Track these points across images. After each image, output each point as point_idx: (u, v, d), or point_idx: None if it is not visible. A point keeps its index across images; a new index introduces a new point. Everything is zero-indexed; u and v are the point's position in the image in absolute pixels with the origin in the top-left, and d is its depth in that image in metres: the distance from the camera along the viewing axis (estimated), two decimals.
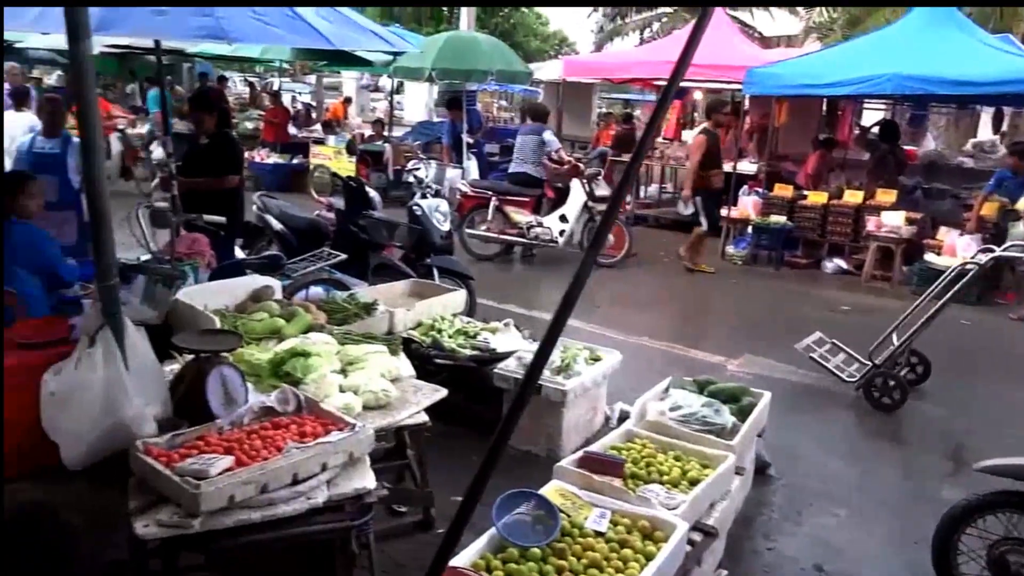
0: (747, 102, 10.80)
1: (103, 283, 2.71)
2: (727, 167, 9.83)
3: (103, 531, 2.84)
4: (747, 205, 10.34)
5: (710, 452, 3.42)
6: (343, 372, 3.63)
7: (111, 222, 2.68)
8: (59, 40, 4.46)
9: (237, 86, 24.76)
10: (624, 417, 4.70)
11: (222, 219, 4.55)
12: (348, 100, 19.48)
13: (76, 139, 5.65)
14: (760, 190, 10.46)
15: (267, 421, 3.00)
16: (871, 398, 5.42)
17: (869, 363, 5.55)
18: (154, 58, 6.76)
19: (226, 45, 3.77)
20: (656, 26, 27.73)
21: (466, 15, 18.18)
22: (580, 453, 3.24)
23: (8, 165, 7.27)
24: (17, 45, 7.29)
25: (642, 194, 13.78)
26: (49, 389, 2.72)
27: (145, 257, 4.40)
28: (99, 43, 5.15)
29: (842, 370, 5.62)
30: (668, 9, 28.04)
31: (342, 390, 3.40)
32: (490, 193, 9.34)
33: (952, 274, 5.37)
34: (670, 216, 12.03)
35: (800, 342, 5.80)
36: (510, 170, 9.79)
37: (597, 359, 4.83)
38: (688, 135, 12.95)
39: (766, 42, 22.01)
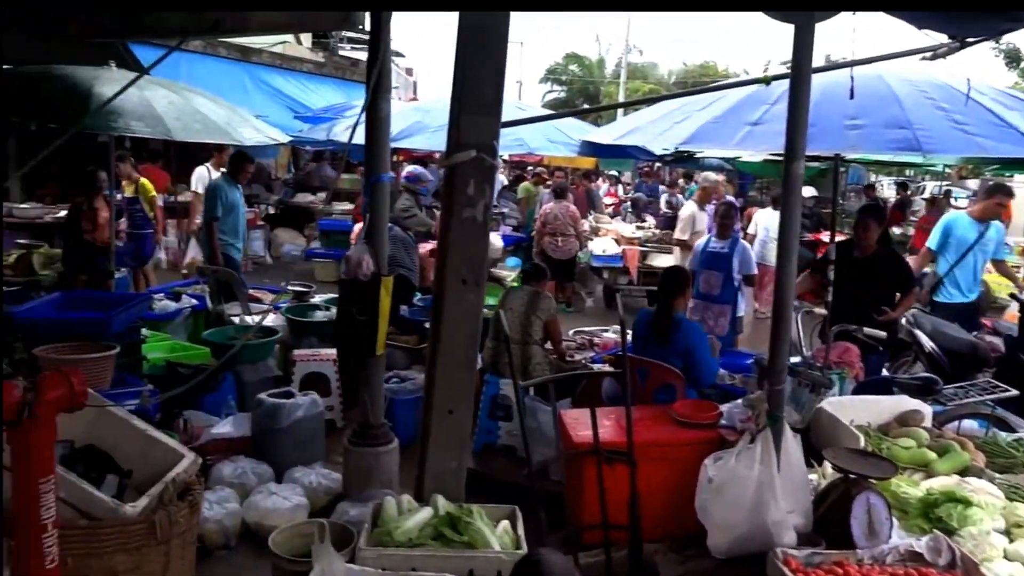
0: None
1: (774, 386, 2.82)
2: None
3: None
4: None
5: None
6: (1007, 533, 3.07)
7: (790, 327, 2.78)
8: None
9: (884, 190, 23.75)
10: None
11: (882, 334, 4.35)
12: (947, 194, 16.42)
13: (743, 243, 6.21)
14: None
15: (913, 568, 2.71)
16: None
17: None
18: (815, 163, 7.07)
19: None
20: None
21: None
22: None
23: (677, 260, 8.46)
24: (698, 155, 8.57)
25: None
26: (708, 475, 2.94)
27: (795, 359, 4.48)
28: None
29: None
30: None
31: (1007, 557, 2.87)
32: None
33: None
34: None
35: None
36: None
37: None
38: None
39: None
